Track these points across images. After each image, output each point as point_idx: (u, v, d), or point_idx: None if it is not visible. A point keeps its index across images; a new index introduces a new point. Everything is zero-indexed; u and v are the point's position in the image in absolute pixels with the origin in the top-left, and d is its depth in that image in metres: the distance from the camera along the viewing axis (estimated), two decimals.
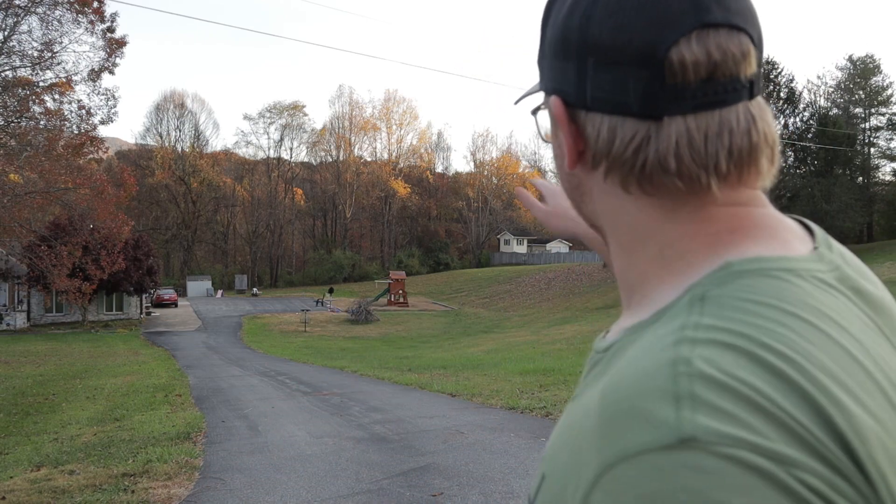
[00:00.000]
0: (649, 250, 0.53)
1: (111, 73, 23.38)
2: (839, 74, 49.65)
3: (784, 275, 0.48)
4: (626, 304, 0.57)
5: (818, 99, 47.17)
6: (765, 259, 0.49)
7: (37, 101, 21.40)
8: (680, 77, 0.48)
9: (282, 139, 76.71)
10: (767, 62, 36.76)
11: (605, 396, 0.43)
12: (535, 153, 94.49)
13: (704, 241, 0.51)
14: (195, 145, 71.62)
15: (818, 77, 73.54)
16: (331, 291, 50.23)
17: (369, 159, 78.73)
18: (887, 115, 48.56)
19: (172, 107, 71.87)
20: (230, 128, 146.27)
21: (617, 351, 0.51)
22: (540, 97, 0.63)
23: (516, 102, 0.75)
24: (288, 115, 75.97)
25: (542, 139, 0.69)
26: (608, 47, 0.50)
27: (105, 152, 26.73)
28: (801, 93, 41.16)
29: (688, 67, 0.48)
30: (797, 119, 39.53)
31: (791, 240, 0.52)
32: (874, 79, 48.12)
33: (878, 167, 49.77)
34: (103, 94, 23.65)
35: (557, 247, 72.83)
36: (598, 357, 0.55)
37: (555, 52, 0.55)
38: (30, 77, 21.60)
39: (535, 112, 0.67)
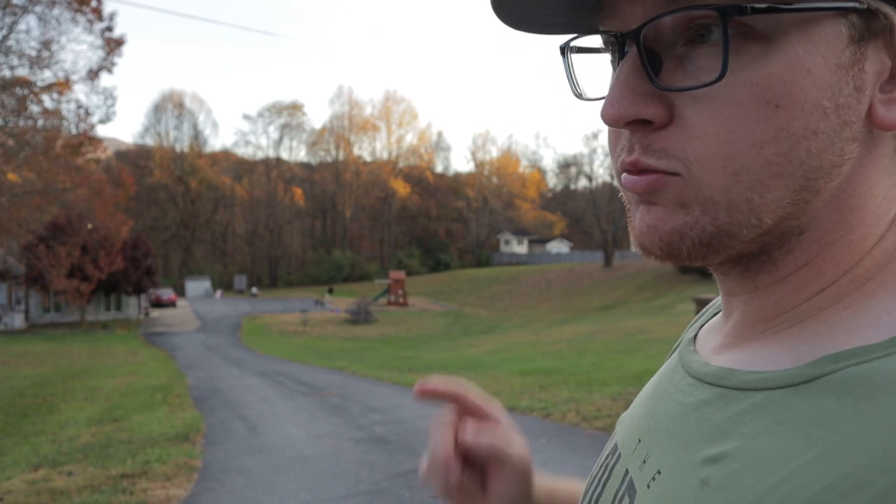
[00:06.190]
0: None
1: (109, 72, 23.38)
2: None
3: None
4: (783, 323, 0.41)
5: None
6: None
7: (35, 100, 21.38)
8: None
9: (281, 139, 76.86)
10: None
11: None
12: (535, 153, 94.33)
13: None
14: (194, 145, 71.70)
15: None
16: (330, 291, 50.20)
17: (369, 159, 78.83)
18: None
19: (171, 106, 71.99)
20: (229, 127, 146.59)
21: (861, 384, 0.33)
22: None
23: (562, 47, 0.45)
24: (287, 114, 76.13)
25: (576, 93, 0.45)
26: None
27: (104, 152, 26.70)
28: None
29: None
30: None
31: None
32: None
33: None
34: (101, 94, 23.67)
35: (558, 247, 72.79)
36: (769, 397, 0.37)
37: None
38: (28, 76, 21.56)
39: (575, 51, 0.44)
